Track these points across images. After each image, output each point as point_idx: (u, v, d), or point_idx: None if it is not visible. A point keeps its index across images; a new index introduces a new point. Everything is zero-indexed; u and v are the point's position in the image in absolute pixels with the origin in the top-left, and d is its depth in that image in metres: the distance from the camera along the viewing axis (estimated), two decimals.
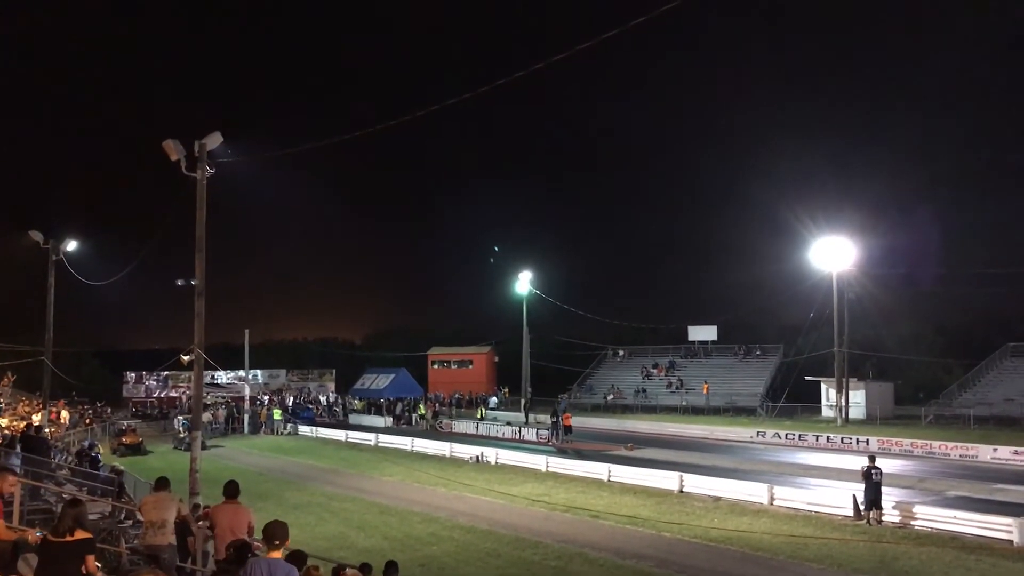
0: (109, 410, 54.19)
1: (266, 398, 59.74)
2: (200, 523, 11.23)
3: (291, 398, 61.45)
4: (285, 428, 48.61)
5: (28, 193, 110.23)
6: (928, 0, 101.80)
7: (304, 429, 48.17)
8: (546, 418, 41.52)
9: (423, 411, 52.35)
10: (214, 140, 20.02)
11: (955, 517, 18.30)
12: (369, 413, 56.09)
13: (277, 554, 6.57)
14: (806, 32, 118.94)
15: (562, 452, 35.25)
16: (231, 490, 10.21)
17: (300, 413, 55.55)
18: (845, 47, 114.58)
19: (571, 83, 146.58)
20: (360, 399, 60.44)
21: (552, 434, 38.95)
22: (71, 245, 33.47)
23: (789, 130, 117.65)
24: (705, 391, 53.33)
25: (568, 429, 39.18)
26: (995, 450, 30.70)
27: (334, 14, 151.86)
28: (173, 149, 19.39)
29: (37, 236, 32.45)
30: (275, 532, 6.61)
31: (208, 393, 54.92)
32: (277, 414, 49.86)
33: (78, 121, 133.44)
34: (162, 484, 11.02)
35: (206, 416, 48.57)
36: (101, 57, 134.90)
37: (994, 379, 45.99)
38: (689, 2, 12.57)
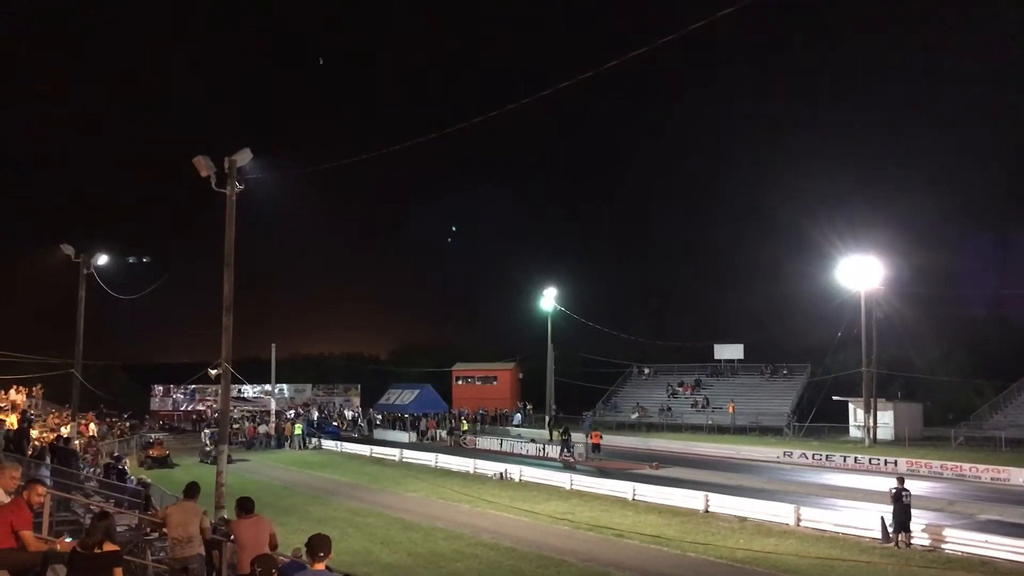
0: (128, 424, 54.47)
1: (292, 412, 60.06)
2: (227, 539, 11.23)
3: (316, 412, 61.71)
4: (310, 442, 48.93)
5: (60, 207, 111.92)
6: (959, 20, 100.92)
7: (329, 444, 48.35)
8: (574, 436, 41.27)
9: (466, 426, 52.48)
10: (244, 157, 20.27)
11: (986, 541, 17.99)
12: (394, 428, 56.24)
13: (321, 566, 6.59)
14: (834, 50, 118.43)
15: (570, 468, 35.28)
16: (247, 506, 10.20)
17: (325, 427, 55.78)
18: (874, 64, 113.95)
19: (598, 100, 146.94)
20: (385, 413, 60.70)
21: (562, 451, 38.85)
22: (102, 259, 33.89)
23: (817, 148, 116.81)
24: (731, 410, 52.98)
25: (596, 447, 39.20)
26: None
27: (362, 30, 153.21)
28: (203, 165, 19.65)
29: (68, 250, 32.86)
30: (319, 544, 6.64)
31: (235, 407, 55.37)
32: (298, 429, 50.16)
33: (110, 136, 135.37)
34: (191, 492, 10.77)
35: (263, 428, 49.58)
36: (134, 73, 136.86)
37: None
38: (714, 22, 12.59)
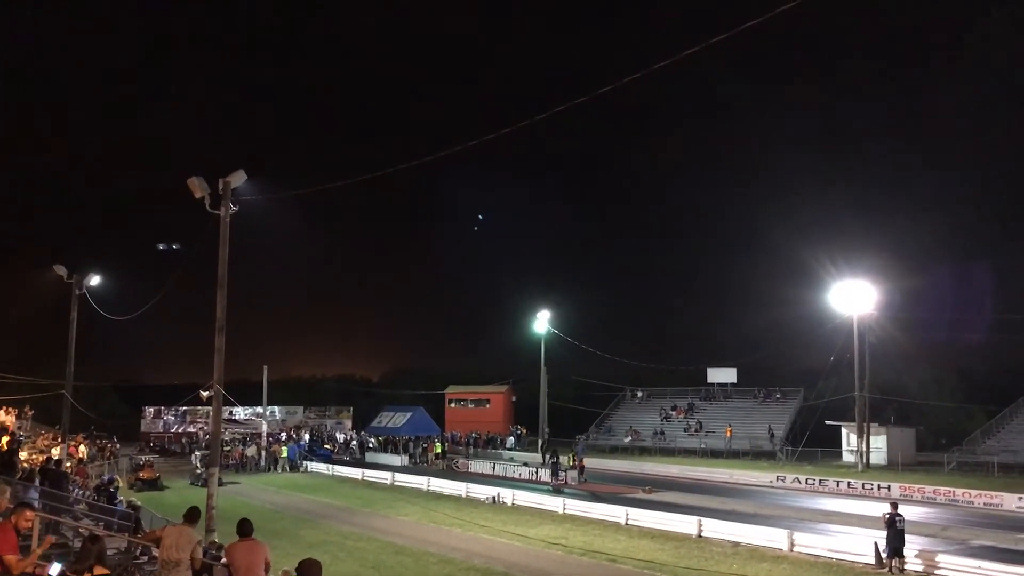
0: (119, 445, 53.86)
1: (283, 435, 59.75)
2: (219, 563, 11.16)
3: (307, 435, 61.36)
4: (301, 465, 48.74)
5: (53, 228, 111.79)
6: (952, 45, 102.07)
7: (320, 467, 48.08)
8: (564, 460, 41.10)
9: (439, 449, 52.38)
10: (238, 178, 20.32)
11: (979, 567, 17.95)
12: (386, 451, 55.99)
13: None
14: (826, 74, 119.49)
15: (558, 491, 35.23)
16: (245, 528, 10.16)
17: (317, 450, 55.50)
18: (867, 88, 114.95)
19: (595, 125, 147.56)
20: (376, 437, 60.47)
21: (552, 474, 38.79)
22: (94, 280, 33.85)
23: (810, 173, 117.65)
24: (728, 435, 52.92)
25: (581, 470, 39.13)
26: (1020, 499, 30.14)
27: (360, 52, 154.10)
28: (198, 186, 19.69)
29: (61, 270, 32.85)
30: (310, 569, 6.62)
31: (226, 429, 55.08)
32: (284, 451, 49.96)
33: (104, 156, 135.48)
34: (191, 517, 10.79)
35: (250, 451, 49.22)
36: (130, 94, 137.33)
37: (1018, 426, 45.32)
38: (709, 49, 12.70)
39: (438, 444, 53.79)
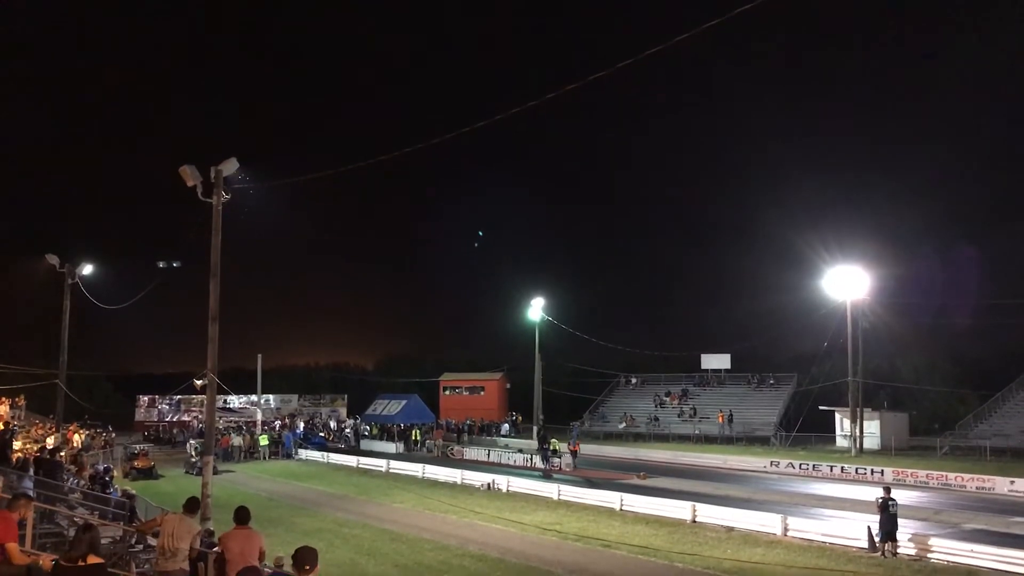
0: (113, 435, 53.61)
1: (278, 423, 59.72)
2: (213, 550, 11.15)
3: (301, 423, 61.34)
4: (296, 453, 48.72)
5: (45, 217, 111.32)
6: (945, 35, 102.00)
7: (315, 455, 48.06)
8: (560, 445, 41.14)
9: (416, 436, 52.66)
10: (230, 166, 20.23)
11: (972, 550, 18.07)
12: (381, 439, 56.07)
13: None
14: (820, 62, 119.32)
15: (547, 477, 35.48)
16: (242, 515, 10.14)
17: (311, 438, 55.49)
18: (861, 76, 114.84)
19: (588, 113, 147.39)
20: (373, 424, 60.58)
21: (543, 460, 38.88)
22: (87, 269, 33.70)
23: (803, 159, 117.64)
24: (720, 420, 53.07)
25: (574, 455, 39.26)
26: (1012, 483, 30.35)
27: (353, 39, 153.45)
28: (189, 175, 19.59)
29: (53, 260, 32.68)
30: (306, 557, 6.58)
31: (220, 418, 55.02)
32: (263, 440, 49.74)
33: (97, 146, 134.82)
34: (191, 507, 10.84)
35: (236, 441, 48.84)
36: (121, 82, 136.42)
37: (1011, 410, 45.56)
38: (702, 38, 12.68)
39: (416, 431, 54.06)
